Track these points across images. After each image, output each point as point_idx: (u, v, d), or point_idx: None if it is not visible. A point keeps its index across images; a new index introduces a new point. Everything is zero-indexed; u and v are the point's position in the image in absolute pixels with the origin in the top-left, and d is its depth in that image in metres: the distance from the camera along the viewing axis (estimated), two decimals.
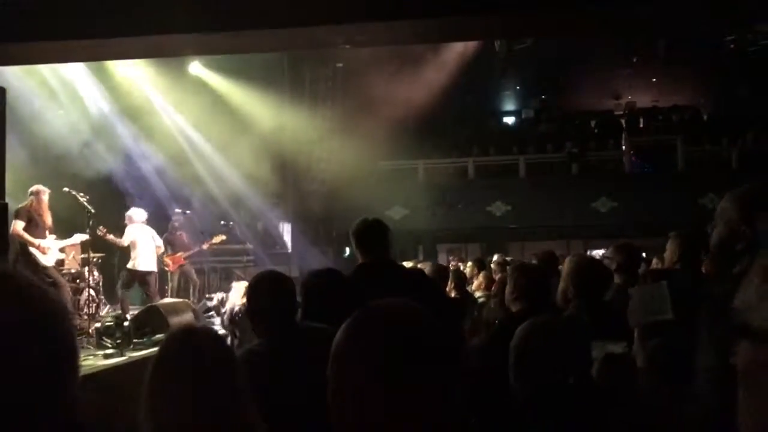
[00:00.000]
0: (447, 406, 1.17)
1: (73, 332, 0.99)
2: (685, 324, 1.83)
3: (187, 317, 6.90)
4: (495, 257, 10.72)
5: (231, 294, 6.77)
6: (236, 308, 6.39)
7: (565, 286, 3.14)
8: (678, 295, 2.17)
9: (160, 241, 9.63)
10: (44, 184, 8.18)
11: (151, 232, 9.48)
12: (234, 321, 6.23)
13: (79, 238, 8.66)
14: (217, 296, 8.29)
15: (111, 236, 9.17)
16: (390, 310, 1.25)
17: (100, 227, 8.99)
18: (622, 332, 2.41)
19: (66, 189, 8.59)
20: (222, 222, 11.94)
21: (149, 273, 9.29)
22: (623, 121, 20.51)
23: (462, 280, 5.88)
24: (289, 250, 13.99)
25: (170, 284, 10.70)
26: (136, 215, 9.47)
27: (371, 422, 1.14)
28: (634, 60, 17.65)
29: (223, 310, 7.17)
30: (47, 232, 8.07)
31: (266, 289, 2.79)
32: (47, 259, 7.97)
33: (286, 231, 14.62)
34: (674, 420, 1.83)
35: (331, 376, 1.22)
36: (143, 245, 9.26)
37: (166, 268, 10.59)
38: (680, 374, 1.80)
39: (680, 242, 3.74)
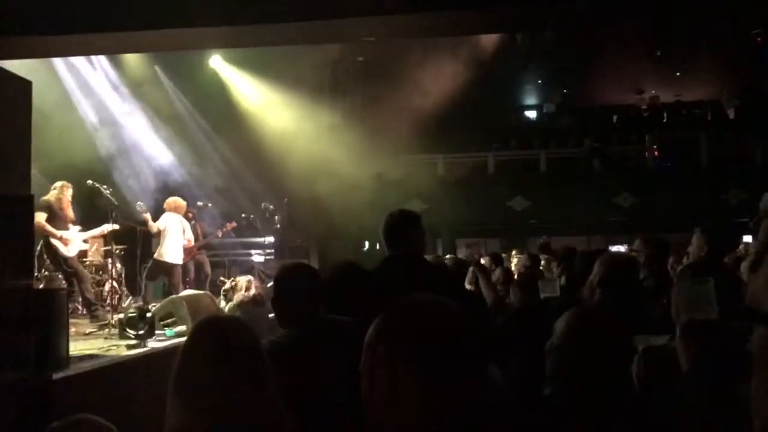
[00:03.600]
0: (479, 396, 1.17)
1: None
2: (732, 325, 1.81)
3: (210, 309, 6.94)
4: (513, 252, 10.71)
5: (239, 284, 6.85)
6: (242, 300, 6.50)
7: (591, 278, 3.17)
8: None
9: (191, 235, 9.61)
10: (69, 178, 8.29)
11: (184, 225, 9.47)
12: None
13: (106, 228, 8.72)
14: (230, 282, 8.35)
15: (147, 215, 9.16)
16: (422, 305, 1.26)
17: (139, 203, 9.02)
18: (656, 325, 2.39)
19: (90, 181, 8.68)
20: (243, 215, 11.99)
21: (176, 265, 9.30)
22: (646, 116, 20.30)
23: (487, 275, 5.86)
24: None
25: (189, 276, 10.76)
26: (178, 206, 9.45)
27: (405, 414, 1.15)
28: (658, 54, 17.44)
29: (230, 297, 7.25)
30: (70, 225, 8.18)
31: (292, 281, 2.79)
32: (69, 251, 8.08)
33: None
34: (718, 426, 1.80)
35: (364, 369, 1.22)
36: (173, 236, 9.22)
37: None
38: (726, 378, 1.77)
39: (707, 238, 3.71)
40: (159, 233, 9.22)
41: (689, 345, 2.08)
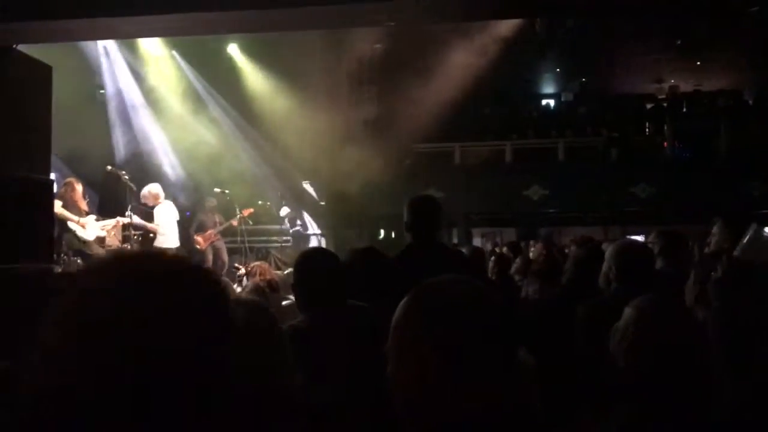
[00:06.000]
0: (508, 377, 1.17)
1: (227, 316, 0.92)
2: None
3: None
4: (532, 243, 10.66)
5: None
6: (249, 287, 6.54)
7: (607, 267, 3.14)
8: None
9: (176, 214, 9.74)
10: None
11: (174, 207, 9.61)
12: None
13: (121, 221, 8.79)
14: (244, 268, 8.43)
15: (142, 222, 9.29)
16: (450, 285, 1.25)
17: (129, 213, 9.03)
18: None
19: (109, 167, 8.75)
20: (260, 202, 12.03)
21: (177, 248, 9.51)
22: (665, 106, 20.10)
23: (506, 265, 5.84)
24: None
25: (206, 263, 10.84)
26: (161, 192, 9.50)
27: (434, 395, 1.14)
28: (678, 43, 17.23)
29: (245, 284, 7.29)
30: (84, 215, 8.27)
31: (313, 266, 2.79)
32: (87, 234, 8.17)
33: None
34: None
35: (392, 350, 1.21)
36: (170, 223, 9.39)
37: (197, 246, 10.74)
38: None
39: (731, 227, 3.68)
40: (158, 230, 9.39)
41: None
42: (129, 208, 8.77)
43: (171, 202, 9.63)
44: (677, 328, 1.72)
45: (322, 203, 14.25)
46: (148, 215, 9.35)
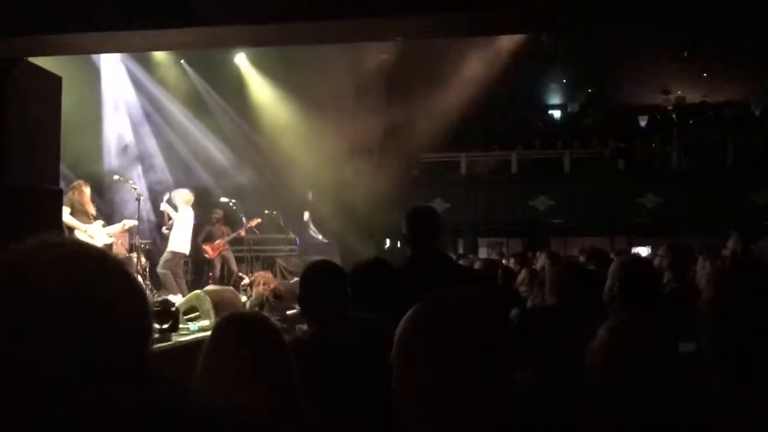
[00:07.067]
0: (511, 390, 1.19)
1: (143, 298, 1.01)
2: None
3: (232, 303, 7.00)
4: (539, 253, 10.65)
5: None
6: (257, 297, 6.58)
7: (611, 283, 3.13)
8: None
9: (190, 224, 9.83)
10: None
11: (192, 218, 9.70)
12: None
13: (127, 224, 8.86)
14: (248, 278, 8.51)
15: (170, 208, 9.37)
16: (455, 299, 1.27)
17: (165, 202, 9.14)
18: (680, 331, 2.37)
19: (116, 176, 8.81)
20: (266, 211, 12.06)
21: (188, 255, 9.66)
22: (672, 117, 20.08)
23: (511, 277, 5.86)
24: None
25: (213, 272, 10.90)
26: (189, 197, 9.60)
27: (437, 407, 1.16)
28: (684, 54, 17.22)
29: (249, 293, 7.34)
30: (92, 219, 8.33)
31: (318, 278, 2.81)
32: (94, 243, 8.20)
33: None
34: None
35: (396, 362, 1.23)
36: (187, 228, 9.47)
37: (206, 255, 10.79)
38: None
39: (745, 240, 3.69)
40: (175, 225, 9.42)
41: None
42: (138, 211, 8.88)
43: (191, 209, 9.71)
44: (648, 348, 1.72)
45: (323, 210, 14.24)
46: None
